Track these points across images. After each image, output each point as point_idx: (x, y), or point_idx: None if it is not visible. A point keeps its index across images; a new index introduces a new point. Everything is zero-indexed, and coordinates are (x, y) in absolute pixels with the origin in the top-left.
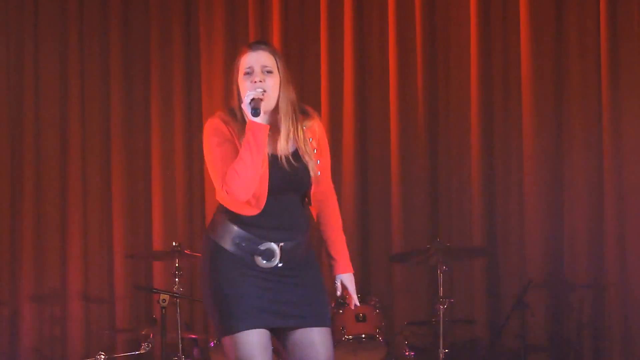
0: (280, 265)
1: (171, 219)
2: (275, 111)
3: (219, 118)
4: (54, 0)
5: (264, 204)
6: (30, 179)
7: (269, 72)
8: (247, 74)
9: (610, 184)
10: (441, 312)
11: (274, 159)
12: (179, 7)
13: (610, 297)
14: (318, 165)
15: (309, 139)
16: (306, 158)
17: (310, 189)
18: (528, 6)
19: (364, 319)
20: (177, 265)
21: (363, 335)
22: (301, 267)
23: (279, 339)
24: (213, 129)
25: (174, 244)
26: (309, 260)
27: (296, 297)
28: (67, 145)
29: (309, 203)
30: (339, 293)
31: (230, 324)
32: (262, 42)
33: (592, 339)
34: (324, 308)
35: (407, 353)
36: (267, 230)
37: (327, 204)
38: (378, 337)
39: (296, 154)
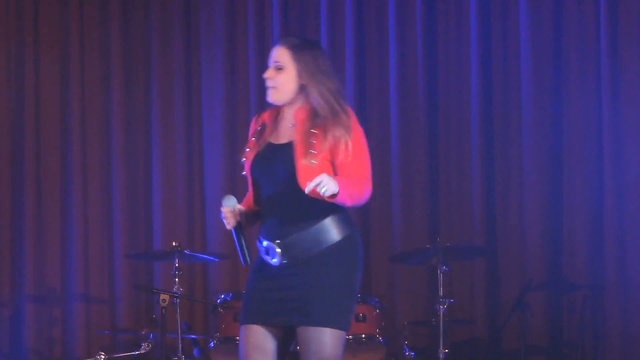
0: (285, 262)
1: (171, 219)
2: (294, 103)
3: (255, 117)
4: (54, 1)
5: (253, 197)
6: (30, 179)
7: (280, 68)
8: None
9: (610, 184)
10: (441, 312)
11: (270, 148)
12: (179, 8)
13: (610, 297)
14: (312, 155)
15: (312, 130)
16: (297, 147)
17: (297, 180)
18: (528, 6)
19: (364, 319)
20: (177, 265)
21: (363, 335)
22: (311, 262)
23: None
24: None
25: (174, 244)
26: (326, 255)
27: (299, 293)
28: (67, 145)
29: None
30: None
31: (240, 319)
32: (287, 37)
33: (592, 339)
34: (325, 307)
35: (407, 353)
36: (267, 226)
37: None
38: (378, 337)
39: (289, 145)
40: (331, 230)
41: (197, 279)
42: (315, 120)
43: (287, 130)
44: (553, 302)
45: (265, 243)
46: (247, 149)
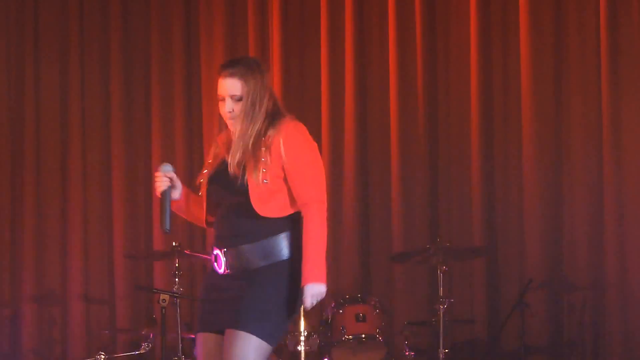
0: (229, 271)
1: (171, 218)
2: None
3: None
4: (54, 1)
5: (205, 211)
6: (30, 180)
7: (239, 99)
8: (221, 100)
9: (610, 184)
10: (441, 312)
11: (223, 169)
12: (179, 8)
13: (611, 297)
14: (263, 174)
15: (262, 148)
16: (248, 165)
17: (249, 199)
18: (528, 6)
19: (364, 319)
20: (177, 265)
21: (363, 335)
22: (256, 273)
23: None
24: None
25: (174, 244)
26: (270, 269)
27: (233, 302)
28: (68, 146)
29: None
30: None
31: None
32: (230, 65)
33: (592, 339)
34: (255, 315)
35: (407, 353)
36: (216, 237)
37: (304, 218)
38: (378, 337)
39: (240, 163)
40: (283, 247)
41: (197, 279)
42: (261, 138)
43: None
44: (553, 302)
45: (214, 252)
46: (205, 171)
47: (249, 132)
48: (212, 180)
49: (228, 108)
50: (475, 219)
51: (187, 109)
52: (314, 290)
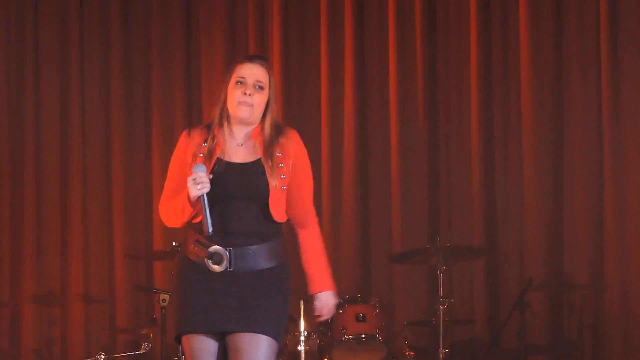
0: (230, 269)
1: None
2: (255, 124)
3: (187, 130)
4: (54, 2)
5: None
6: (30, 179)
7: (261, 87)
8: (239, 83)
9: (610, 184)
10: (441, 312)
11: (233, 166)
12: (179, 10)
13: (610, 297)
14: (282, 180)
15: (277, 154)
16: (267, 169)
17: (268, 199)
18: (527, 7)
19: (364, 319)
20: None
21: (363, 335)
22: (257, 275)
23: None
24: (178, 143)
25: (174, 244)
26: (273, 271)
27: (240, 302)
28: (68, 146)
29: (272, 217)
30: (316, 313)
31: (179, 326)
32: (261, 56)
33: (592, 339)
34: (263, 315)
35: (407, 353)
36: (220, 235)
37: (305, 227)
38: (378, 337)
39: (257, 164)
40: (281, 250)
41: None
42: (274, 143)
43: (241, 150)
44: (553, 302)
45: (212, 248)
46: (199, 166)
47: (266, 129)
48: (221, 178)
49: (248, 90)
50: (475, 219)
51: (187, 109)
52: (334, 297)
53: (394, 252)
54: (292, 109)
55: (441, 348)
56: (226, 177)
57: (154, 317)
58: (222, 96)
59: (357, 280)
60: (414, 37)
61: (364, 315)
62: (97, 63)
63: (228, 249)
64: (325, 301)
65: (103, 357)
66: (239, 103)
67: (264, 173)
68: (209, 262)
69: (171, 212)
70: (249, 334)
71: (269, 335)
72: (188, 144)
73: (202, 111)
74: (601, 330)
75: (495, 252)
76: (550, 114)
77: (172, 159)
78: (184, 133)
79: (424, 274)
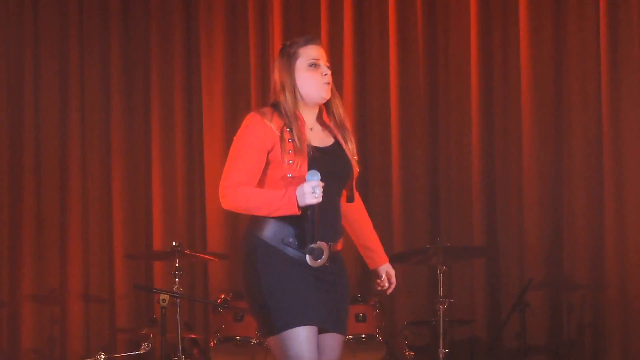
0: (327, 264)
1: (171, 219)
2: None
3: (261, 115)
4: (53, 2)
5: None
6: (30, 179)
7: (329, 67)
8: (313, 65)
9: (610, 184)
10: (441, 312)
11: (323, 151)
12: (179, 9)
13: (611, 297)
14: (356, 160)
15: (351, 139)
16: (347, 151)
17: (353, 189)
18: (528, 5)
19: (364, 319)
20: (177, 265)
21: (363, 335)
22: (339, 269)
23: None
24: (252, 126)
25: (174, 244)
26: (343, 263)
27: (330, 300)
28: (67, 146)
29: (351, 199)
30: (386, 284)
31: (287, 320)
32: (317, 38)
33: (592, 339)
34: (345, 315)
35: (407, 353)
36: (319, 228)
37: (355, 200)
38: (378, 337)
39: (337, 146)
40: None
41: (197, 279)
42: (344, 126)
43: (314, 134)
44: (553, 301)
45: (316, 244)
46: (290, 151)
47: (338, 110)
48: (315, 165)
49: (325, 71)
50: (475, 219)
51: (187, 109)
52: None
53: (394, 252)
54: None
55: (441, 348)
56: (319, 162)
57: (154, 317)
58: (288, 81)
59: (357, 280)
60: (415, 36)
61: (363, 315)
62: (96, 64)
63: (329, 243)
64: (393, 271)
65: (103, 357)
66: (325, 84)
67: (345, 155)
68: (310, 257)
69: (252, 204)
70: (337, 335)
71: (344, 336)
72: (267, 128)
73: (202, 111)
74: (601, 329)
75: (495, 252)
76: (551, 114)
77: (248, 142)
78: (258, 116)
79: (424, 274)
